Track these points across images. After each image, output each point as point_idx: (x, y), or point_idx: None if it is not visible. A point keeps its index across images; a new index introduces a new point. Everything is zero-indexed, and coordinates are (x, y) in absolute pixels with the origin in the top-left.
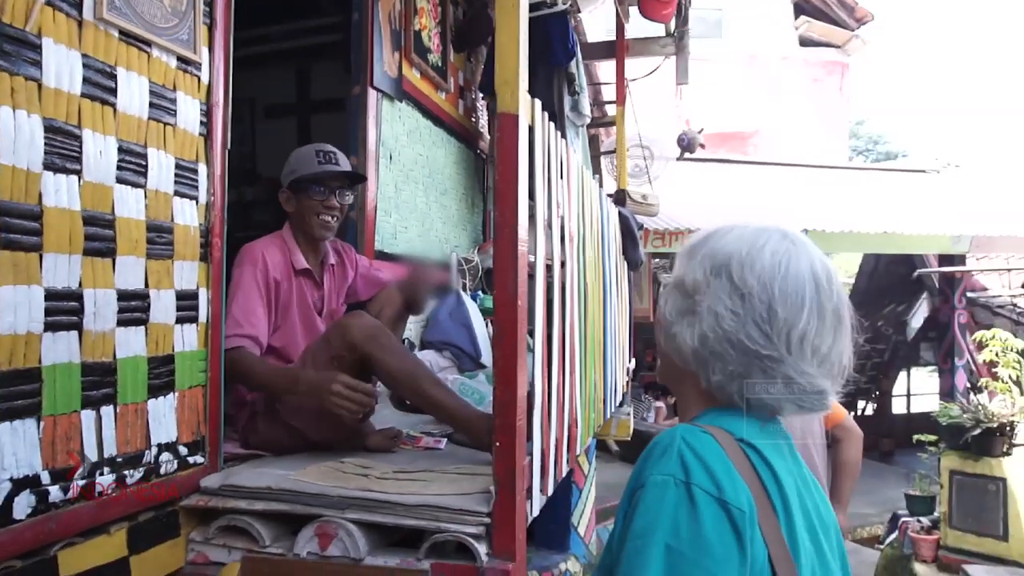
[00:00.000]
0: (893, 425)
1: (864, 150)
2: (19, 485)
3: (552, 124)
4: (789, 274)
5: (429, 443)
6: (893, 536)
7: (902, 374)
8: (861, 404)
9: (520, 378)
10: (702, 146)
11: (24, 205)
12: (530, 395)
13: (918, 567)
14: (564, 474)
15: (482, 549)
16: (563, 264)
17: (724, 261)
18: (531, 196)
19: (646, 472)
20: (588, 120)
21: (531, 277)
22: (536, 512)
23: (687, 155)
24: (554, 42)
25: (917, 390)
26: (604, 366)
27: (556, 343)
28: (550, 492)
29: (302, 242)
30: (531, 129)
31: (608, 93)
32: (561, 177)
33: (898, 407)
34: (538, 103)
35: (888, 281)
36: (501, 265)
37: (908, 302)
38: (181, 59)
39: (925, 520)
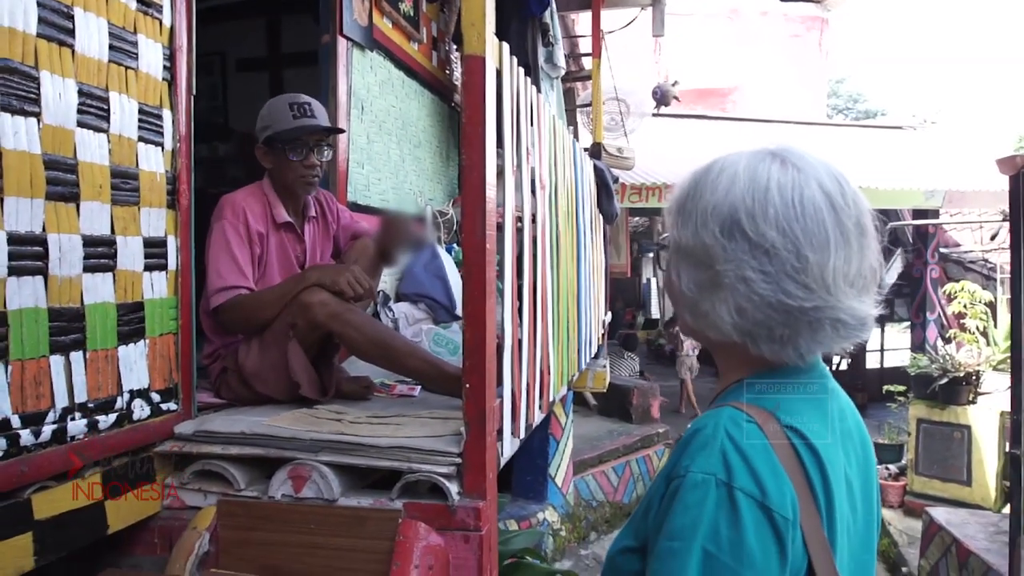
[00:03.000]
0: (867, 379)
1: (844, 108)
2: None
3: (522, 69)
4: (805, 208)
5: (403, 391)
6: None
7: (876, 329)
8: (836, 359)
9: (489, 320)
10: (677, 99)
11: None
12: (499, 339)
13: (885, 512)
14: (537, 419)
15: (453, 488)
16: (534, 214)
17: (732, 217)
18: (499, 143)
19: (685, 463)
20: (563, 72)
21: (500, 227)
22: (508, 453)
23: (662, 108)
24: None
25: (891, 345)
26: (578, 317)
27: (527, 289)
28: (522, 435)
29: (283, 195)
30: (499, 73)
31: (584, 46)
32: (532, 124)
33: (873, 362)
34: (506, 46)
35: None
36: (469, 209)
37: (882, 258)
38: (141, 1)
39: (893, 467)
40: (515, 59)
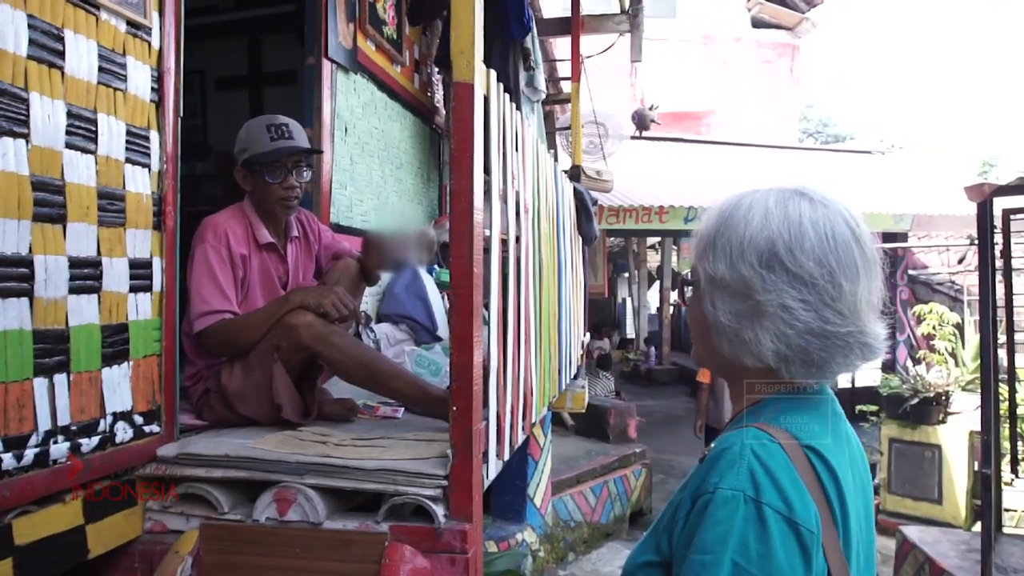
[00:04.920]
0: (839, 399)
1: (814, 132)
2: None
3: (508, 96)
4: (838, 242)
5: (387, 412)
6: None
7: None
8: None
9: (476, 344)
10: (656, 122)
11: None
12: (486, 362)
13: None
14: (520, 441)
15: (440, 511)
16: (518, 237)
17: (770, 250)
18: (486, 169)
19: (713, 479)
20: (543, 96)
21: (487, 250)
22: (492, 476)
23: (641, 132)
24: (510, 16)
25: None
26: (559, 338)
27: (511, 313)
28: (506, 457)
29: (263, 217)
30: (486, 99)
31: (564, 70)
32: (516, 149)
33: (844, 382)
34: (493, 73)
35: None
36: (457, 234)
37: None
38: (131, 23)
39: None
40: (501, 85)
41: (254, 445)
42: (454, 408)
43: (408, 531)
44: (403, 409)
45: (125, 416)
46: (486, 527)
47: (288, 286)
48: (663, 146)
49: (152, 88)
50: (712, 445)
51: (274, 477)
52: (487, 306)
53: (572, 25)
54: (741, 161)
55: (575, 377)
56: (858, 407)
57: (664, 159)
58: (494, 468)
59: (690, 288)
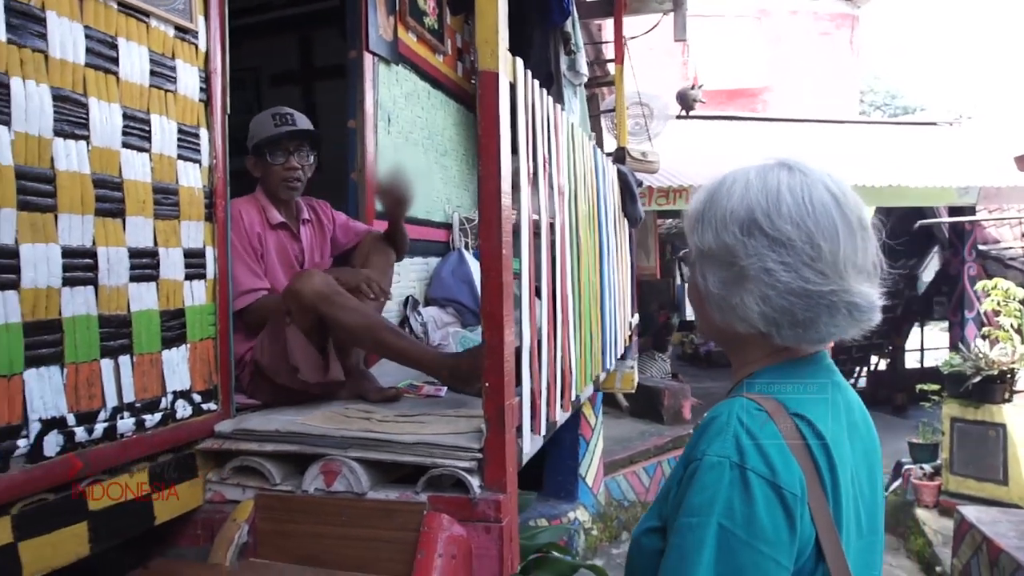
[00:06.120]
0: (906, 380)
1: (881, 104)
2: (48, 425)
3: (537, 82)
4: (815, 206)
5: (430, 391)
6: (897, 484)
7: (916, 329)
8: (874, 359)
9: (506, 323)
10: (701, 101)
11: (38, 169)
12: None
13: (920, 512)
14: (559, 417)
15: (475, 482)
16: (552, 219)
17: (750, 217)
18: (515, 153)
19: (702, 447)
20: (585, 79)
21: (517, 232)
22: (530, 450)
23: (687, 112)
24: (551, 2)
25: (930, 345)
26: (602, 317)
27: (545, 292)
28: (543, 432)
29: (273, 200)
30: (512, 87)
31: (610, 52)
32: (549, 133)
33: (912, 363)
34: (519, 61)
35: (898, 236)
36: (486, 217)
37: (919, 256)
38: (179, 28)
39: (927, 467)
40: (529, 73)
41: (303, 421)
42: (486, 384)
43: (446, 501)
44: (446, 388)
45: (184, 395)
46: (538, 505)
47: (305, 264)
48: (716, 124)
49: (200, 88)
50: (705, 415)
51: (320, 450)
52: (519, 286)
53: (615, 6)
54: (797, 137)
55: (623, 357)
56: (919, 386)
57: (717, 137)
58: (529, 442)
59: (687, 265)
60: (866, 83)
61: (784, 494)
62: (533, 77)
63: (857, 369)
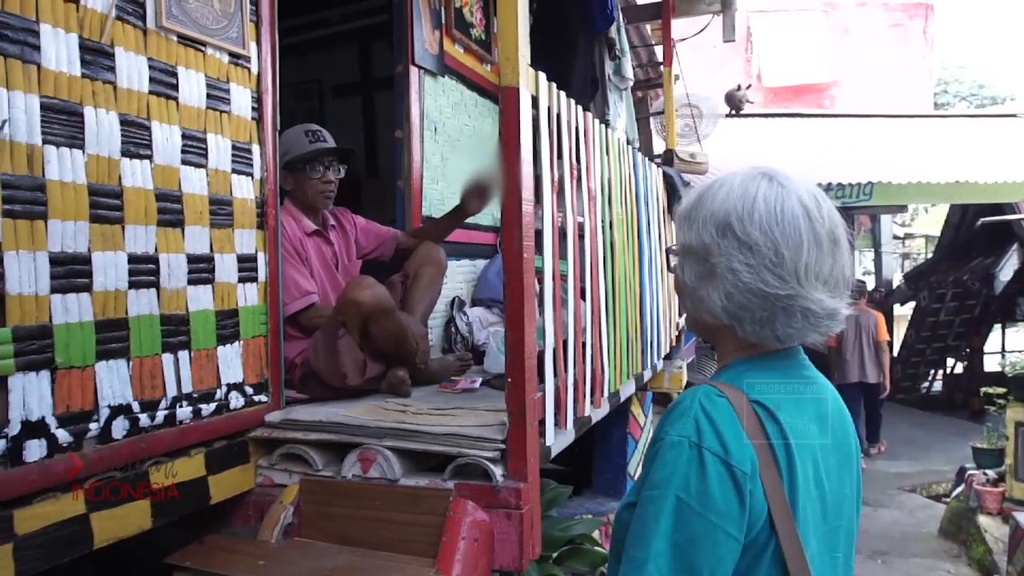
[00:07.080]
0: (985, 383)
1: (968, 95)
2: (115, 411)
3: (562, 93)
4: (784, 216)
5: (466, 384)
6: (960, 489)
7: (995, 331)
8: (950, 362)
9: (528, 321)
10: (749, 102)
11: (108, 186)
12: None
13: (982, 519)
14: (591, 413)
15: (498, 471)
16: (581, 222)
17: (725, 220)
18: (538, 161)
19: (666, 428)
20: (631, 83)
21: (540, 235)
22: (554, 442)
23: (737, 114)
24: (594, 8)
25: (1012, 347)
26: (641, 318)
27: (571, 292)
28: (569, 427)
29: (305, 211)
30: (535, 99)
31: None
32: (578, 140)
33: (992, 366)
34: (542, 75)
35: (974, 233)
36: (508, 220)
37: (996, 255)
38: (232, 55)
39: (991, 472)
40: (553, 85)
41: (345, 413)
42: (509, 380)
43: (470, 488)
44: (480, 382)
45: (237, 387)
46: (586, 501)
47: (339, 267)
48: (777, 122)
49: (252, 107)
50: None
51: (358, 440)
52: (544, 288)
53: (663, 9)
54: (864, 133)
55: (670, 357)
56: (983, 389)
57: (777, 136)
58: (552, 434)
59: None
60: (951, 73)
61: (735, 471)
62: (578, 83)
63: (932, 372)
